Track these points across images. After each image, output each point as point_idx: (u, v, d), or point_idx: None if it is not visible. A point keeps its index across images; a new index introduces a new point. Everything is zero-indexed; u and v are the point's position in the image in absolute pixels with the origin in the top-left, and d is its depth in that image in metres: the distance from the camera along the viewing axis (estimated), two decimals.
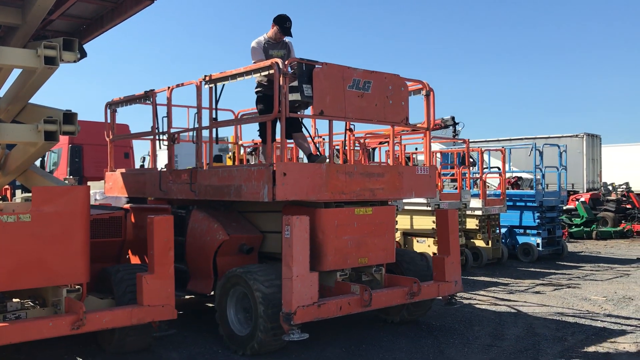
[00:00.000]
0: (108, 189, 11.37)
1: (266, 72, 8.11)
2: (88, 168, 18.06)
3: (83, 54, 7.65)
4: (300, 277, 7.34)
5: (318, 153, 8.90)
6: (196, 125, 9.03)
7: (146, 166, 24.56)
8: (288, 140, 9.04)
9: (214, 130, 9.26)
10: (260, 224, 9.14)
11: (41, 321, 6.86)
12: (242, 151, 14.28)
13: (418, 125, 9.30)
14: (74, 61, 7.06)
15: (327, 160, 8.46)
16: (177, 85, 9.40)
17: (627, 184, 30.46)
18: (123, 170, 11.12)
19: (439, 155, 19.30)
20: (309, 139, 9.56)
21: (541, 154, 18.62)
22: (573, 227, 25.44)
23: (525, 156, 21.57)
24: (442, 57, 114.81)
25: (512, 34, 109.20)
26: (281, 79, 7.59)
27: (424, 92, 9.21)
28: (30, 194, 10.71)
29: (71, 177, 16.77)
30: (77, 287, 7.34)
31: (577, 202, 26.28)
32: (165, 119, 9.59)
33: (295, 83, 7.90)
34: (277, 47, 9.29)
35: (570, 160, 29.94)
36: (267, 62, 7.97)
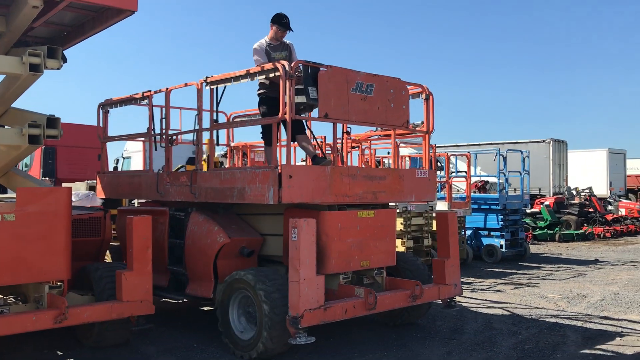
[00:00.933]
0: (100, 190, 11.21)
1: (270, 75, 8.06)
2: (61, 170, 17.80)
3: (64, 60, 7.75)
4: (307, 280, 7.28)
5: (323, 155, 8.82)
6: (196, 127, 8.96)
7: (119, 168, 24.44)
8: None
9: (215, 132, 9.15)
10: (259, 227, 9.06)
11: (25, 315, 7.20)
12: (216, 154, 14.16)
13: (417, 128, 9.29)
14: (57, 68, 7.33)
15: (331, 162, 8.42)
16: (176, 87, 9.32)
17: (590, 188, 31.12)
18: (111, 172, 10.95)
19: (407, 159, 19.47)
20: (313, 141, 9.49)
21: (505, 159, 19.18)
22: (537, 229, 26.12)
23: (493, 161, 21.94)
24: (413, 64, 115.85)
25: (482, 43, 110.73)
26: (287, 81, 7.54)
27: (423, 95, 9.22)
28: (2, 196, 10.85)
29: (46, 178, 16.56)
30: (58, 283, 7.85)
31: (541, 206, 26.83)
32: (163, 120, 9.50)
33: (300, 85, 7.87)
34: (278, 49, 9.22)
35: (537, 165, 30.70)
36: (273, 65, 7.92)
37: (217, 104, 8.90)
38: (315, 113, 8.24)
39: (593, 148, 38.42)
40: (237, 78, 8.32)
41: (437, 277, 9.20)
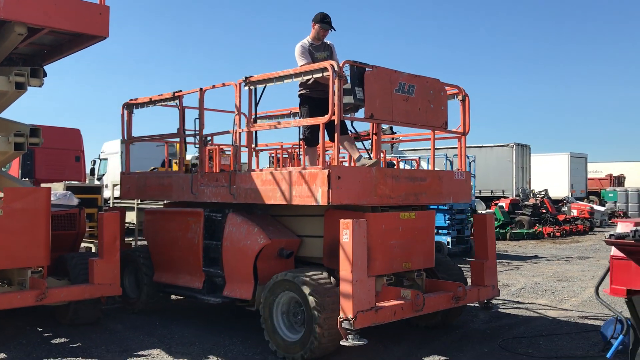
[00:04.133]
0: (125, 191, 10.96)
1: (317, 75, 7.95)
2: (39, 170, 17.87)
3: (44, 75, 8.70)
4: (360, 282, 7.16)
5: (369, 156, 8.74)
6: (234, 128, 8.82)
7: (97, 170, 24.02)
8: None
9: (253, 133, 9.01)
10: (296, 228, 8.94)
11: (11, 294, 8.44)
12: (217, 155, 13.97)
13: (453, 130, 9.28)
14: (39, 86, 8.42)
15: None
16: (210, 87, 9.20)
17: (546, 190, 31.84)
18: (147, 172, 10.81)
19: None
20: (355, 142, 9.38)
21: (452, 163, 20.56)
22: None
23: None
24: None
25: (450, 48, 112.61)
26: (336, 81, 7.44)
27: (460, 97, 9.22)
28: None
29: (26, 179, 16.32)
30: (39, 269, 8.87)
31: (495, 207, 27.50)
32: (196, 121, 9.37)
33: (347, 86, 7.79)
34: (320, 49, 9.13)
35: (501, 168, 31.55)
36: (322, 64, 7.82)
37: (256, 104, 8.77)
38: (358, 113, 8.24)
39: (555, 152, 39.89)
40: (280, 78, 8.21)
41: (475, 279, 9.21)
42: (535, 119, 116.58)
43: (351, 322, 7.06)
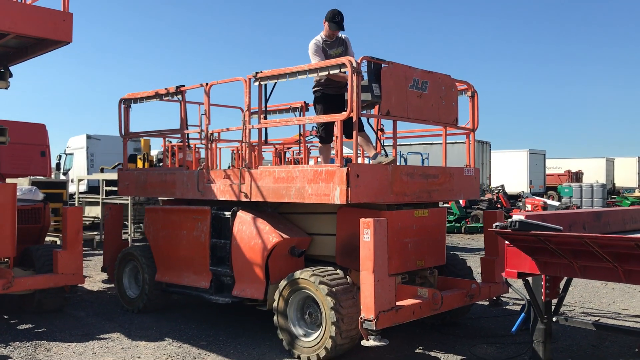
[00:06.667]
0: (123, 188, 10.63)
1: (333, 71, 7.75)
2: (4, 165, 17.32)
3: (10, 75, 9.23)
4: (381, 282, 6.98)
5: (386, 154, 8.59)
6: (245, 124, 8.59)
7: (62, 165, 23.62)
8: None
9: (264, 130, 8.79)
10: (306, 227, 8.77)
11: None
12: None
13: (462, 126, 9.18)
14: (5, 88, 9.05)
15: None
16: (218, 82, 9.00)
17: (502, 186, 32.26)
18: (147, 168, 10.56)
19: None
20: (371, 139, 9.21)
21: (405, 160, 21.16)
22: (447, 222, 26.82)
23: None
24: None
25: (410, 43, 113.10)
26: (355, 77, 7.28)
27: (469, 93, 9.15)
28: None
29: None
30: (6, 259, 9.34)
31: (452, 202, 27.81)
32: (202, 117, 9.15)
33: (364, 82, 7.62)
34: (334, 46, 8.92)
35: (461, 164, 31.65)
36: (340, 60, 7.65)
37: (266, 100, 8.56)
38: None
39: (515, 149, 40.85)
40: (293, 74, 8.02)
41: (485, 276, 9.10)
42: (496, 116, 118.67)
43: (373, 322, 6.90)
